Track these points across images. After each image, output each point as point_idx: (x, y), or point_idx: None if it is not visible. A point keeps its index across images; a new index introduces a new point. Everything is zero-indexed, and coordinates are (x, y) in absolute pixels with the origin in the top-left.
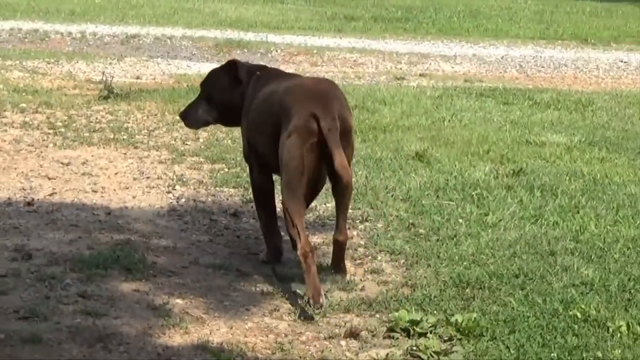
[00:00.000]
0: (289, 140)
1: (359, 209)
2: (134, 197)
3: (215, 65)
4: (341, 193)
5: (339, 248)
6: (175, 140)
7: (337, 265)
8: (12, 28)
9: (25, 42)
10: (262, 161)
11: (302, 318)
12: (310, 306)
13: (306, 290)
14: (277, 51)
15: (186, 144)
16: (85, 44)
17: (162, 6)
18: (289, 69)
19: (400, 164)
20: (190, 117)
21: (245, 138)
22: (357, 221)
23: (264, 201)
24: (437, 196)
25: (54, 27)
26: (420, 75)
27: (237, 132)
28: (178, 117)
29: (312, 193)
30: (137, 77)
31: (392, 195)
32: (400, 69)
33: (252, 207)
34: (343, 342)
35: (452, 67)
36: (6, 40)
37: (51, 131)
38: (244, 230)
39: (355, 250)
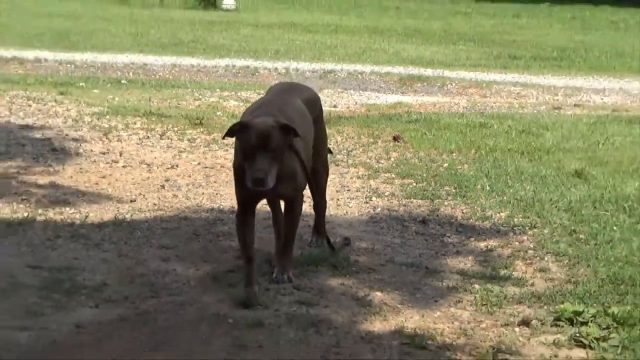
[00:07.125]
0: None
1: (528, 217)
2: (338, 206)
3: (399, 96)
4: None
5: None
6: (370, 159)
7: None
8: (227, 65)
9: (239, 77)
10: None
11: (482, 308)
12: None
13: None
14: (451, 84)
15: (379, 163)
16: (289, 78)
17: (353, 47)
18: (462, 100)
19: (562, 180)
20: None
21: None
22: (527, 227)
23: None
24: (595, 207)
25: (262, 64)
26: (575, 105)
27: (423, 152)
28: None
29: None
30: (334, 106)
31: (555, 207)
32: (557, 100)
33: (437, 215)
34: (517, 329)
35: (602, 99)
36: (222, 75)
37: None
38: (431, 235)
39: (526, 252)
